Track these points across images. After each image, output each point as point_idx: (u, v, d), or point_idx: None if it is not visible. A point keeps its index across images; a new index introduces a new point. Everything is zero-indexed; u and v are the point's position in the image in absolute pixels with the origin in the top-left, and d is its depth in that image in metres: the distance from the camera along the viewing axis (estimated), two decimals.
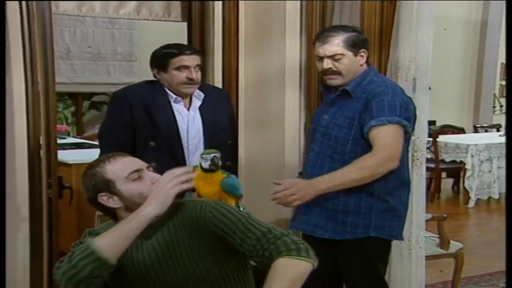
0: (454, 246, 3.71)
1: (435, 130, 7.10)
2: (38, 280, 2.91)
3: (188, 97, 3.02)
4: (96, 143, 5.88)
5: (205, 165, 2.33)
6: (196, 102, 3.03)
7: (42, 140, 2.84)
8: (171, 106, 2.97)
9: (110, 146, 2.79)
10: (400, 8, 2.97)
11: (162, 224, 2.06)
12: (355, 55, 2.71)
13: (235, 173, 3.06)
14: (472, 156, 6.92)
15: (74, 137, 6.86)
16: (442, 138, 7.11)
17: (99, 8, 3.35)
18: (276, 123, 3.35)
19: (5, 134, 2.58)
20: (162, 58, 2.97)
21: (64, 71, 7.36)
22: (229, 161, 3.04)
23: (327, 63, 2.70)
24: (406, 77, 2.98)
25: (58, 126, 6.39)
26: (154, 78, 3.06)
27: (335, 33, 2.71)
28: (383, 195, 2.70)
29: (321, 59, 2.72)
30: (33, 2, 2.80)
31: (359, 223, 2.71)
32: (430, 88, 3.11)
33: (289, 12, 3.28)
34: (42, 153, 2.83)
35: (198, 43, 3.42)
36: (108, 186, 2.05)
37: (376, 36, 3.03)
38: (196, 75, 2.95)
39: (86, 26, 7.51)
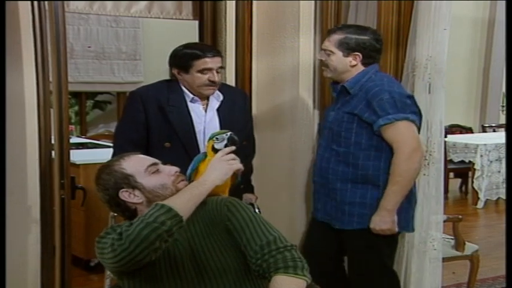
0: (470, 248, 3.66)
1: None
2: (49, 282, 2.87)
3: (206, 98, 2.96)
4: (100, 142, 5.87)
5: (220, 144, 2.25)
6: (215, 103, 2.96)
7: (54, 140, 2.80)
8: (187, 106, 2.91)
9: (124, 146, 2.77)
10: (418, 6, 2.95)
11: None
12: (346, 56, 2.87)
13: None
14: (481, 156, 6.87)
15: (77, 136, 6.82)
16: (450, 138, 7.06)
17: (110, 6, 3.31)
18: (290, 122, 3.32)
19: (5, 133, 2.54)
20: (184, 59, 2.89)
21: (68, 70, 7.31)
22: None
23: (321, 55, 2.96)
24: (423, 76, 2.95)
25: None
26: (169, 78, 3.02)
27: (339, 31, 2.90)
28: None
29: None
30: (46, 1, 2.76)
31: (366, 214, 2.85)
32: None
33: (303, 11, 3.25)
34: (55, 153, 2.79)
35: (209, 42, 3.37)
36: (129, 181, 2.09)
37: (393, 35, 3.02)
38: (218, 77, 2.90)
39: (90, 25, 7.46)
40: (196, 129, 2.89)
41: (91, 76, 7.51)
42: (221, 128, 2.88)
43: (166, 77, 9.04)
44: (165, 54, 9.07)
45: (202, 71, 2.84)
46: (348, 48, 2.84)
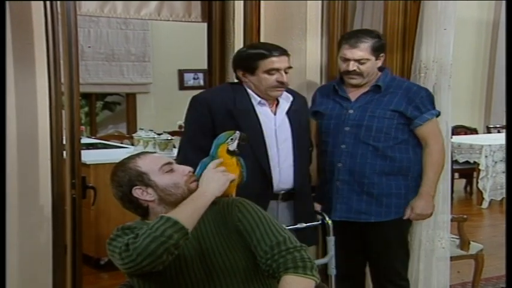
0: (475, 247, 3.71)
1: None
2: (61, 280, 2.92)
3: (274, 100, 2.85)
4: (110, 143, 5.94)
5: (234, 145, 2.27)
6: (285, 106, 2.86)
7: (65, 140, 2.85)
8: (254, 110, 2.80)
9: (191, 153, 2.69)
10: (424, 7, 2.99)
11: None
12: (376, 59, 2.98)
13: None
14: (486, 157, 6.92)
15: (88, 137, 6.89)
16: (455, 139, 7.10)
17: (120, 9, 3.36)
18: None
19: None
20: (249, 60, 2.78)
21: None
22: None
23: (353, 66, 2.95)
24: (430, 77, 3.00)
25: None
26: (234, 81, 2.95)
27: (364, 39, 2.94)
28: (416, 176, 3.04)
29: (347, 60, 2.95)
30: (58, 2, 2.80)
31: (401, 203, 3.02)
32: None
33: (310, 13, 3.29)
34: (66, 153, 2.84)
35: (218, 43, 3.42)
36: (143, 179, 2.12)
37: (399, 37, 3.07)
38: (286, 78, 2.77)
39: (100, 27, 7.55)
40: (265, 133, 2.80)
41: (101, 78, 7.59)
42: (293, 132, 2.84)
43: (175, 78, 9.13)
44: (174, 56, 9.17)
45: (269, 72, 2.74)
46: (377, 51, 2.95)
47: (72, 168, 2.81)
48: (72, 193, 2.82)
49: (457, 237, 3.67)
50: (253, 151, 2.72)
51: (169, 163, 2.17)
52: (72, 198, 2.82)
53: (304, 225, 2.83)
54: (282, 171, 2.81)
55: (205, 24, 3.53)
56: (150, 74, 7.84)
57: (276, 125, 2.82)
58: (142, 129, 5.22)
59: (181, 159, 2.72)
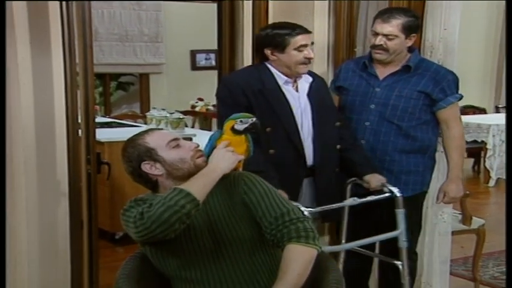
0: (476, 222, 3.81)
1: None
2: (78, 253, 3.03)
3: (295, 80, 2.92)
4: (124, 122, 6.06)
5: (242, 126, 2.36)
6: (305, 86, 2.93)
7: (80, 119, 2.95)
8: (281, 89, 2.87)
9: None
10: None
11: None
12: (406, 38, 3.03)
13: None
14: (494, 136, 7.00)
15: (102, 116, 7.01)
16: (463, 119, 7.13)
17: None
18: None
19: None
20: (279, 38, 2.84)
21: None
22: (340, 144, 3.01)
23: (380, 40, 3.03)
24: (436, 56, 3.08)
25: None
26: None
27: (397, 15, 3.00)
28: (432, 154, 3.18)
29: (376, 34, 3.03)
30: None
31: (418, 180, 3.14)
32: None
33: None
34: (81, 131, 2.94)
35: (227, 24, 3.48)
36: (151, 154, 2.23)
37: None
38: (312, 52, 2.88)
39: (113, 8, 7.64)
40: (294, 112, 2.87)
41: (114, 58, 7.69)
42: (313, 112, 2.90)
43: (187, 59, 9.18)
44: (186, 36, 9.21)
45: (298, 48, 2.81)
46: (409, 30, 3.00)
47: (87, 145, 2.91)
48: (87, 168, 2.93)
49: (460, 212, 3.76)
50: (286, 132, 2.81)
51: (176, 139, 2.27)
52: (88, 173, 2.93)
53: (375, 197, 2.91)
54: (305, 148, 2.88)
55: (215, 5, 3.61)
56: (162, 54, 7.93)
57: (299, 104, 2.88)
58: (155, 108, 5.32)
59: None
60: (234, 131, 2.35)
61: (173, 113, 5.18)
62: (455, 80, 3.10)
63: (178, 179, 2.21)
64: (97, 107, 7.16)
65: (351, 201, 2.88)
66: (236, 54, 3.50)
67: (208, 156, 2.34)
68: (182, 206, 2.02)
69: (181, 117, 4.98)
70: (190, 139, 4.72)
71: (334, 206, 2.86)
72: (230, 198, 2.25)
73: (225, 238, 2.18)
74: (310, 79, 2.93)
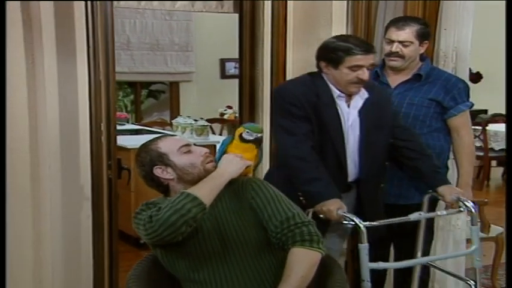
0: (495, 230, 3.82)
1: (485, 119, 7.15)
2: (100, 254, 3.13)
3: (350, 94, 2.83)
4: (153, 129, 6.18)
5: (248, 137, 2.49)
6: (358, 102, 2.83)
7: (103, 126, 3.05)
8: (334, 103, 2.80)
9: (304, 137, 2.73)
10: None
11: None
12: (420, 44, 3.10)
13: None
14: None
15: (132, 123, 7.15)
16: (491, 127, 7.13)
17: (157, 2, 3.55)
18: None
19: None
20: (335, 53, 2.73)
21: (124, 61, 7.65)
22: (387, 161, 2.98)
23: (396, 47, 3.09)
24: (449, 65, 3.12)
25: (118, 113, 6.71)
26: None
27: (411, 23, 3.07)
28: (445, 162, 3.21)
29: (391, 42, 3.09)
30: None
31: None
32: (482, 77, 3.30)
33: (336, 3, 3.42)
34: (103, 137, 3.05)
35: (248, 34, 3.56)
36: (163, 159, 2.32)
37: None
38: (368, 75, 2.75)
39: (145, 18, 7.78)
40: (344, 127, 2.80)
41: (145, 67, 7.83)
42: (361, 128, 2.81)
43: (217, 67, 9.29)
44: (215, 45, 9.32)
45: (352, 68, 2.71)
46: (422, 37, 3.08)
47: (108, 151, 3.02)
48: (108, 173, 3.03)
49: (478, 220, 3.76)
50: (333, 145, 2.76)
51: (187, 145, 2.35)
52: (108, 178, 3.03)
53: (444, 213, 2.88)
54: (348, 165, 2.84)
55: (236, 15, 3.69)
56: (192, 63, 8.05)
57: (349, 120, 2.81)
58: (181, 116, 5.43)
59: (292, 143, 2.73)
60: (242, 139, 2.45)
61: (197, 120, 5.28)
62: (465, 88, 3.15)
63: (188, 183, 2.29)
64: (127, 114, 7.29)
65: (416, 215, 2.76)
66: (256, 63, 3.57)
67: (219, 159, 2.44)
68: (188, 209, 2.10)
69: (205, 124, 5.09)
70: (214, 146, 4.80)
71: (397, 220, 2.75)
72: (239, 202, 2.32)
73: (232, 241, 2.25)
74: (366, 95, 2.82)
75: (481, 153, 6.95)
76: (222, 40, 7.76)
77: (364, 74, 2.70)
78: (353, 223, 2.53)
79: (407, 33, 3.06)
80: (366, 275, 2.52)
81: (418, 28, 3.07)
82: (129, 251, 4.59)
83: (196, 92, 8.20)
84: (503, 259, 3.88)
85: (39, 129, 3.05)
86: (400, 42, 3.08)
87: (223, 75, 8.29)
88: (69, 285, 3.15)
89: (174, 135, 2.47)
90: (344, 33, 3.43)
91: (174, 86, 8.20)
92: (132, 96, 8.05)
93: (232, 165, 2.32)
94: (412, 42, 3.07)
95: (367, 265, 2.52)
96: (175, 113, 7.97)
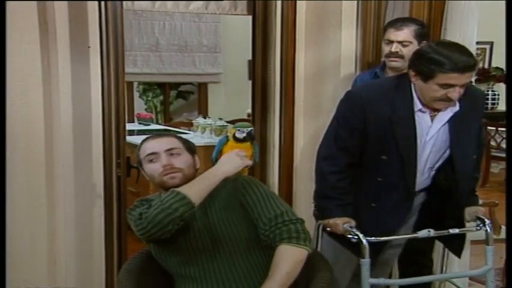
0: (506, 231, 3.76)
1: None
2: (111, 249, 3.22)
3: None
4: (176, 129, 6.27)
5: (240, 135, 2.56)
6: (447, 114, 2.59)
7: (113, 125, 3.13)
8: (413, 117, 2.56)
9: (336, 152, 2.64)
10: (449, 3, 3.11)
11: None
12: (418, 45, 3.06)
13: None
14: None
15: (158, 124, 7.26)
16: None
17: (170, 4, 3.60)
18: (332, 110, 3.49)
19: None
20: (428, 66, 2.45)
21: (153, 62, 7.77)
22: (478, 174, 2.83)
23: (396, 47, 3.10)
24: None
25: (143, 113, 6.84)
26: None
27: (409, 23, 3.11)
28: None
29: (391, 42, 3.12)
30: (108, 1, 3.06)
31: None
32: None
33: (346, 4, 3.44)
34: (112, 135, 3.12)
35: (261, 36, 3.59)
36: (140, 163, 2.43)
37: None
38: (460, 93, 2.47)
39: (174, 20, 7.86)
40: (418, 142, 2.58)
41: (174, 68, 7.91)
42: (451, 142, 2.61)
43: (245, 69, 9.29)
44: (243, 46, 9.33)
45: (443, 85, 2.45)
46: (420, 37, 3.09)
47: (118, 149, 3.09)
48: (117, 172, 3.11)
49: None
50: (403, 162, 2.58)
51: (153, 153, 2.37)
52: (118, 176, 3.11)
53: (457, 230, 2.67)
54: (421, 177, 2.69)
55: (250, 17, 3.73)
56: (221, 64, 8.12)
57: (427, 135, 2.60)
58: (209, 116, 5.54)
59: (327, 153, 2.68)
60: (235, 138, 2.50)
61: (217, 120, 5.36)
62: None
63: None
64: (152, 114, 7.40)
65: (425, 232, 2.64)
66: (268, 65, 3.61)
67: (216, 159, 2.50)
68: (175, 209, 2.16)
69: (224, 124, 5.16)
70: (256, 145, 4.86)
71: (407, 236, 2.70)
72: (230, 200, 2.37)
73: (222, 238, 2.30)
74: (457, 108, 2.57)
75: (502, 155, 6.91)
76: (250, 42, 7.80)
77: (455, 93, 2.44)
78: (356, 237, 2.53)
79: (405, 33, 3.08)
80: None
81: (416, 28, 3.10)
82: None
83: (224, 93, 8.27)
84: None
85: (53, 129, 3.14)
86: (399, 42, 3.10)
87: (251, 76, 8.32)
88: (82, 281, 3.24)
89: (169, 135, 2.49)
90: (354, 34, 3.45)
91: (202, 87, 8.29)
92: (161, 97, 8.15)
93: (229, 163, 2.35)
94: (411, 42, 3.09)
95: (368, 281, 2.52)
96: (203, 113, 8.04)
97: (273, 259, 2.22)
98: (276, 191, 3.48)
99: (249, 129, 2.57)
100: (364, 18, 3.41)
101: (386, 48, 3.16)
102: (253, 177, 2.51)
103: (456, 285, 2.96)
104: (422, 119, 2.58)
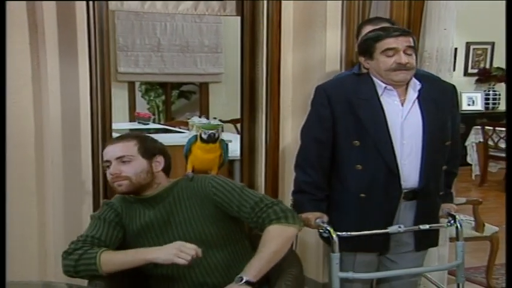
0: (489, 229, 3.81)
1: None
2: None
3: (403, 88, 2.63)
4: (173, 128, 6.35)
5: (204, 136, 2.68)
6: (412, 95, 2.62)
7: (99, 124, 3.19)
8: (379, 99, 2.60)
9: (309, 145, 2.68)
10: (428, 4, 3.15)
11: (166, 196, 2.43)
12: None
13: None
14: None
15: (157, 123, 7.34)
16: None
17: (160, 5, 3.65)
18: None
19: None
20: (367, 43, 2.61)
21: (155, 63, 7.85)
22: (446, 165, 2.72)
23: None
24: (433, 66, 3.16)
25: (142, 112, 6.93)
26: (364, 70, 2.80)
27: (381, 22, 2.99)
28: None
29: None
30: (96, 1, 3.13)
31: None
32: None
33: (330, 5, 3.48)
34: (99, 134, 3.19)
35: (249, 36, 3.63)
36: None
37: (405, 27, 3.19)
38: (408, 59, 2.54)
39: (175, 21, 7.94)
40: (390, 125, 2.57)
41: (175, 68, 7.99)
42: (424, 121, 2.59)
43: None
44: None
45: (386, 52, 2.54)
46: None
47: (104, 148, 3.15)
48: (104, 168, 3.15)
49: (473, 219, 3.78)
50: (377, 147, 2.56)
51: (107, 161, 2.47)
52: (104, 174, 3.15)
53: (427, 226, 2.63)
54: (404, 167, 2.59)
55: (238, 18, 3.78)
56: (221, 64, 8.18)
57: (402, 117, 2.59)
58: (199, 116, 5.59)
59: (301, 148, 2.73)
60: (201, 139, 2.59)
61: (211, 119, 5.42)
62: None
63: None
64: (150, 113, 7.47)
65: (395, 228, 2.59)
66: (256, 64, 3.65)
67: (185, 155, 2.57)
68: (80, 271, 2.33)
69: (218, 124, 5.22)
70: (226, 145, 4.92)
71: (376, 232, 2.60)
72: (198, 200, 2.43)
73: (188, 237, 2.36)
74: (418, 86, 2.62)
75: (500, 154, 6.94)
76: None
77: (401, 58, 2.51)
78: (327, 232, 2.53)
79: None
80: (336, 285, 2.55)
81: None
82: None
83: (225, 92, 8.33)
84: (499, 259, 3.89)
85: (43, 127, 3.22)
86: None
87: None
88: None
89: (122, 140, 2.55)
90: (339, 34, 3.50)
91: (203, 87, 8.36)
92: (163, 97, 8.23)
93: (161, 251, 2.27)
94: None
95: (337, 274, 2.54)
96: (204, 113, 8.13)
97: (261, 240, 2.30)
98: (263, 190, 3.54)
99: (211, 131, 2.67)
100: (348, 18, 3.45)
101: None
102: (217, 174, 2.58)
103: (431, 281, 2.99)
104: (391, 101, 2.60)
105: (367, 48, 2.59)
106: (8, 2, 3.07)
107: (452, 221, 2.71)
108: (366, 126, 2.56)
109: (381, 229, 2.59)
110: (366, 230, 2.57)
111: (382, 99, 2.59)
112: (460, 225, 2.69)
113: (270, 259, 2.25)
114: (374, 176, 2.57)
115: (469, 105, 8.88)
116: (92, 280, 2.31)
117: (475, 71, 9.00)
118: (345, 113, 2.59)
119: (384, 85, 2.59)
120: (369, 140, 2.56)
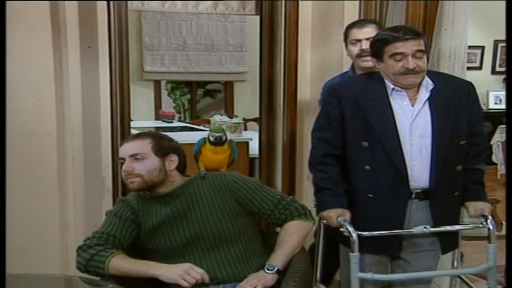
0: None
1: None
2: None
3: (414, 89, 2.59)
4: (195, 126, 6.42)
5: (212, 139, 2.75)
6: (424, 95, 2.58)
7: (118, 122, 3.25)
8: (388, 100, 2.58)
9: (318, 145, 2.68)
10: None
11: (181, 193, 2.48)
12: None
13: None
14: None
15: (182, 121, 7.41)
16: None
17: (180, 4, 3.71)
18: None
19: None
20: (376, 46, 2.59)
21: (180, 61, 7.90)
22: (467, 164, 2.67)
23: (365, 44, 2.88)
24: (447, 65, 3.16)
25: (166, 111, 7.00)
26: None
27: (367, 22, 3.05)
28: None
29: (358, 41, 2.97)
30: (115, 2, 3.18)
31: None
32: None
33: (348, 6, 3.52)
34: (117, 131, 3.24)
35: (267, 35, 3.69)
36: None
37: (420, 26, 3.20)
38: (417, 63, 2.51)
39: (201, 20, 7.96)
40: (399, 126, 2.55)
41: (201, 67, 8.02)
42: (433, 121, 2.56)
43: None
44: None
45: (394, 57, 2.51)
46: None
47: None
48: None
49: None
50: (384, 145, 2.54)
51: (121, 158, 2.53)
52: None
53: (457, 227, 2.64)
54: (414, 168, 2.56)
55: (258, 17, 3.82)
56: (246, 63, 8.20)
57: (412, 118, 2.57)
58: (220, 114, 5.65)
59: (311, 148, 2.72)
60: (209, 141, 2.66)
61: (232, 118, 5.47)
62: None
63: None
64: (174, 112, 7.54)
65: (420, 228, 2.54)
66: (274, 63, 3.70)
67: (195, 156, 2.65)
68: (89, 270, 2.37)
69: (239, 122, 5.27)
70: (247, 143, 4.98)
71: (399, 232, 2.57)
72: (220, 194, 2.50)
73: (205, 232, 2.44)
74: (431, 86, 2.58)
75: None
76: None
77: (409, 63, 2.48)
78: (347, 231, 2.49)
79: (369, 29, 2.98)
80: (355, 286, 2.52)
81: (375, 26, 3.03)
82: None
83: (250, 91, 8.36)
84: None
85: (65, 125, 3.30)
86: (368, 39, 2.89)
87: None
88: None
89: (137, 138, 2.59)
90: None
91: (228, 86, 8.39)
92: (189, 96, 8.29)
93: (169, 270, 2.32)
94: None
95: (357, 275, 2.51)
96: (229, 111, 8.17)
97: (282, 232, 2.51)
98: (280, 187, 3.58)
99: (218, 134, 2.74)
100: (365, 17, 3.46)
101: (354, 49, 3.03)
102: (239, 174, 2.64)
103: (464, 281, 2.86)
104: (400, 102, 2.58)
105: (377, 50, 2.57)
106: (31, 3, 3.17)
107: (484, 222, 2.61)
108: (374, 127, 2.55)
109: (390, 229, 2.57)
110: (374, 231, 2.54)
111: (391, 99, 2.58)
112: (493, 227, 2.57)
113: (294, 250, 2.45)
114: (382, 177, 2.55)
115: (496, 103, 8.79)
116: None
117: (503, 69, 8.88)
118: (354, 114, 2.59)
119: (392, 86, 2.58)
120: (377, 141, 2.55)
